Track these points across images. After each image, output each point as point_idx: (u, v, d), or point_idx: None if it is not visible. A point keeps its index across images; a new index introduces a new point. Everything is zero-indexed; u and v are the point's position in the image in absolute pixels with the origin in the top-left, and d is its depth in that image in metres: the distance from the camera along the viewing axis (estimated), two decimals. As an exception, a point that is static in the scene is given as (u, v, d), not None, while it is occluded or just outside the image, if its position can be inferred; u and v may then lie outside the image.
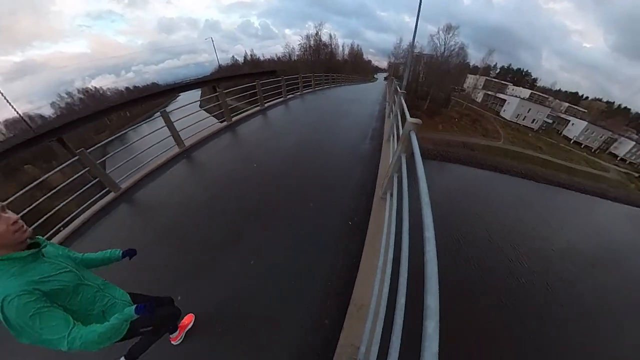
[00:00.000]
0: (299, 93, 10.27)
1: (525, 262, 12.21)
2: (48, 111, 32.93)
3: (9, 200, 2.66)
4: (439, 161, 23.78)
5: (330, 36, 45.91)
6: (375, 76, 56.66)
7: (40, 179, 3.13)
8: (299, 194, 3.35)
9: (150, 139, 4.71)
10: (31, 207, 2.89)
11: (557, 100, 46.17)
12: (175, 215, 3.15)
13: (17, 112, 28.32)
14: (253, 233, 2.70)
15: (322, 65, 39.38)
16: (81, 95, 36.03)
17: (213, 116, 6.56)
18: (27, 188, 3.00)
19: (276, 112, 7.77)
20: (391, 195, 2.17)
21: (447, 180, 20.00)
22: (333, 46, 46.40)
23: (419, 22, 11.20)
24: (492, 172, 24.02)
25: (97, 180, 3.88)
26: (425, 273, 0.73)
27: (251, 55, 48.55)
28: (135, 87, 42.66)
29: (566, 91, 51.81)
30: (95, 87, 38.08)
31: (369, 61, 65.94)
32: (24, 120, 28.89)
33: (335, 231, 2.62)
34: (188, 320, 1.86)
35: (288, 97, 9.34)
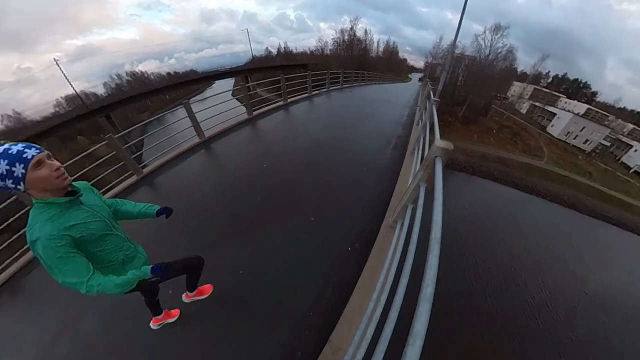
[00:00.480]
0: (325, 90, 9.91)
1: (551, 302, 10.57)
2: (101, 90, 36.33)
3: (65, 165, 2.79)
4: (468, 174, 21.90)
5: (366, 31, 44.38)
6: (409, 76, 53.96)
7: (88, 151, 3.61)
8: (302, 203, 3.11)
9: (183, 123, 5.25)
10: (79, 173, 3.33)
11: (619, 120, 39.52)
12: (188, 202, 3.35)
13: (75, 90, 31.62)
14: (245, 236, 2.63)
15: (354, 61, 38.33)
16: (129, 78, 39.21)
17: (244, 105, 6.60)
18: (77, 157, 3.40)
19: (298, 109, 7.55)
20: (401, 226, 1.85)
21: (474, 197, 18.27)
22: (367, 42, 44.85)
23: (463, 20, 10.15)
24: (527, 194, 21.36)
25: (122, 163, 4.21)
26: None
27: (284, 47, 48.87)
28: (175, 72, 45.52)
29: (632, 110, 44.97)
30: (141, 71, 41.34)
31: (405, 60, 62.88)
32: (79, 98, 32.30)
33: (332, 255, 2.34)
34: (208, 289, 2.06)
35: (313, 93, 9.03)
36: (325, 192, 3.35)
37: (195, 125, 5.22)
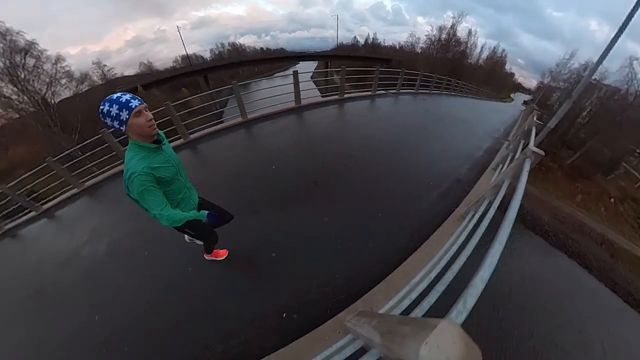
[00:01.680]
0: (393, 91, 8.56)
1: None
2: (207, 55, 42.35)
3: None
4: (547, 243, 15.20)
5: (470, 32, 36.58)
6: (512, 95, 43.80)
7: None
8: (339, 200, 2.55)
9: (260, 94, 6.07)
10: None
11: None
12: (217, 172, 3.85)
13: (186, 51, 37.74)
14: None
15: (446, 66, 32.90)
16: (229, 47, 44.26)
17: (318, 89, 6.74)
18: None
19: (352, 107, 6.61)
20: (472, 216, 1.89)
21: (539, 273, 13.02)
22: (469, 45, 37.53)
23: (620, 36, 6.71)
24: (626, 304, 13.79)
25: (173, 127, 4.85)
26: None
27: (373, 38, 46.21)
28: (267, 48, 48.96)
29: None
30: (240, 43, 46.12)
31: (511, 74, 50.32)
32: (188, 59, 38.45)
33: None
34: (223, 253, 2.40)
35: (377, 92, 7.86)
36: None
37: (241, 106, 5.33)
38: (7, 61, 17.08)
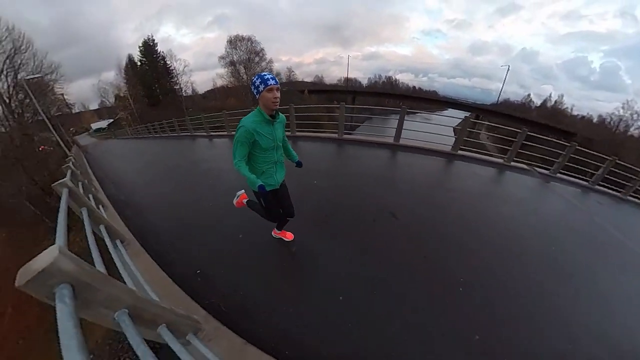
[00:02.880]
0: (544, 170, 5.89)
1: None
2: (364, 81, 48.16)
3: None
4: None
5: None
6: None
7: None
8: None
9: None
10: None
11: None
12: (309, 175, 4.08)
13: (347, 75, 45.04)
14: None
15: None
16: (384, 79, 48.06)
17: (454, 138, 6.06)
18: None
19: (461, 169, 5.09)
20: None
21: None
22: None
23: None
24: None
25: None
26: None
27: (555, 101, 34.83)
28: (419, 88, 49.06)
29: None
30: (395, 78, 49.02)
31: None
32: (347, 80, 45.85)
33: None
34: (290, 236, 2.56)
35: (513, 162, 5.73)
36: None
37: (341, 124, 5.58)
38: (247, 56, 30.63)
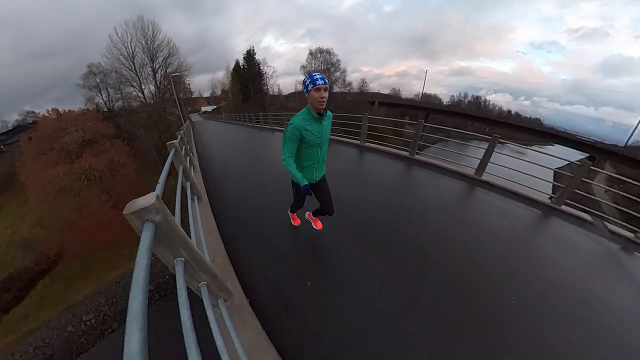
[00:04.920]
0: None
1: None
2: (446, 99, 43.75)
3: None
4: None
5: None
6: None
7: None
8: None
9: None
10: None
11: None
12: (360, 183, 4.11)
13: (422, 90, 41.45)
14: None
15: None
16: (470, 99, 42.16)
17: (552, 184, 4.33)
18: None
19: (559, 229, 3.52)
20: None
21: None
22: None
23: None
24: None
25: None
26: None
27: None
28: (516, 113, 40.66)
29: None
30: (486, 99, 42.23)
31: None
32: (421, 96, 42.24)
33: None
34: (319, 225, 2.60)
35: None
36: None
37: (414, 143, 5.21)
38: (324, 67, 33.57)
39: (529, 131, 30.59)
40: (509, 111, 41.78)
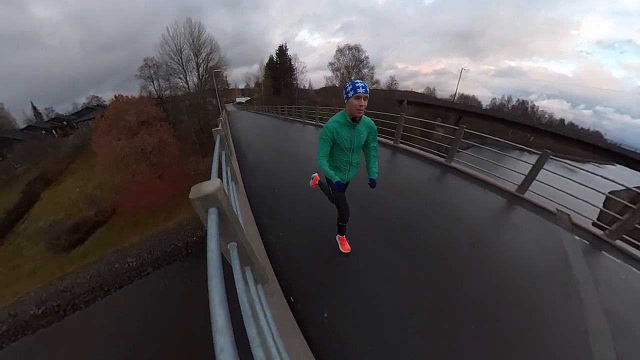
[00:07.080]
0: None
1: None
2: (486, 102, 39.88)
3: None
4: None
5: None
6: None
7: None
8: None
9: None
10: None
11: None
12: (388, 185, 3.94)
13: (456, 91, 37.73)
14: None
15: None
16: (515, 104, 37.98)
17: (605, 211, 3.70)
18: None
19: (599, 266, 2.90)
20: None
21: None
22: None
23: None
24: None
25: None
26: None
27: None
28: (572, 124, 35.55)
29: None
30: (534, 105, 37.58)
31: None
32: (454, 97, 40.25)
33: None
34: (345, 249, 2.33)
35: None
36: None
37: (453, 149, 5.08)
38: (352, 63, 34.44)
39: (584, 145, 26.15)
40: (562, 120, 36.78)
